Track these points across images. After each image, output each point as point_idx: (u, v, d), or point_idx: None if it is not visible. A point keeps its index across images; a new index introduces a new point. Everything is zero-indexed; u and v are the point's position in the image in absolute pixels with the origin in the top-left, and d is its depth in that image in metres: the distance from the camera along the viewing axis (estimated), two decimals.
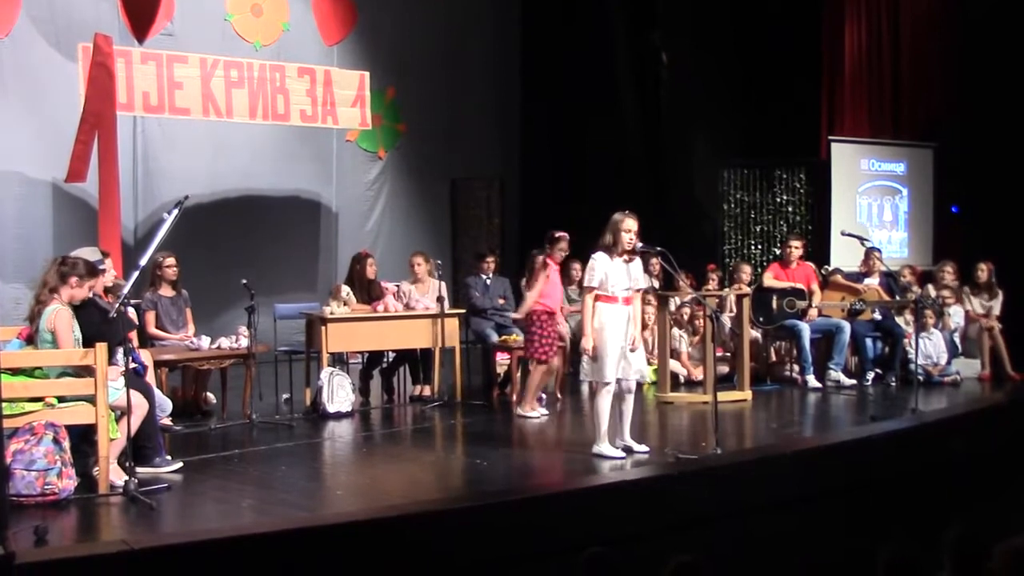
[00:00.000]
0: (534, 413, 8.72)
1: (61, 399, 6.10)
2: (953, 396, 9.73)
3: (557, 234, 8.90)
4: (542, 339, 8.71)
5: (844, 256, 11.76)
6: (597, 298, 7.09)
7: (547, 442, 8.10)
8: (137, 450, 6.31)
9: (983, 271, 10.78)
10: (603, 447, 7.06)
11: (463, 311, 9.92)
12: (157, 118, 11.30)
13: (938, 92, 13.43)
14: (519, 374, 9.50)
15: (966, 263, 11.07)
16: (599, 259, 7.11)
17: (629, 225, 7.10)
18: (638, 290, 7.27)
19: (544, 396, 9.30)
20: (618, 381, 7.09)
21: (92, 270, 6.49)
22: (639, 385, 7.40)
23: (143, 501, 5.80)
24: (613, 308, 7.06)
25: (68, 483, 5.86)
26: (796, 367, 10.35)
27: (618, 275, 7.09)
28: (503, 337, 9.64)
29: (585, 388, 9.87)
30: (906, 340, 10.19)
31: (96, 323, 6.40)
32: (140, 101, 10.54)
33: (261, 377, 9.08)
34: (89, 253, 6.92)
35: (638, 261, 7.25)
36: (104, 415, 6.00)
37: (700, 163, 14.33)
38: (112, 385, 6.14)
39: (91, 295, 6.55)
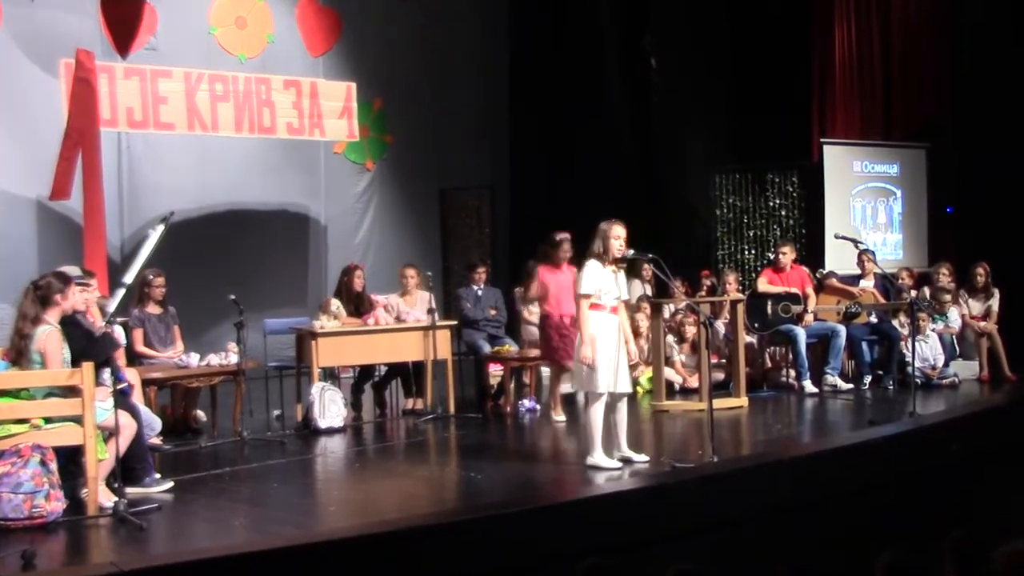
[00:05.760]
0: (562, 417, 8.80)
1: (48, 420, 6.02)
2: (951, 398, 9.68)
3: (559, 236, 8.81)
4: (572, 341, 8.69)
5: (838, 259, 11.71)
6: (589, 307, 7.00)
7: (542, 454, 8.04)
8: (126, 471, 6.22)
9: (980, 275, 10.71)
10: (598, 458, 6.95)
11: (455, 323, 9.84)
12: (142, 133, 11.22)
13: (930, 91, 13.39)
14: (512, 385, 9.48)
15: (961, 264, 11.04)
16: (592, 267, 7.03)
17: (618, 232, 7.04)
18: (623, 300, 7.20)
19: (538, 407, 9.22)
20: (609, 393, 6.99)
21: (64, 278, 6.37)
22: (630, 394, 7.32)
23: (132, 522, 5.71)
24: (603, 317, 6.98)
25: (56, 505, 5.77)
26: (792, 372, 10.29)
27: (608, 284, 7.02)
28: (495, 348, 9.59)
29: (580, 398, 9.78)
30: (903, 343, 10.12)
31: (80, 343, 6.30)
32: (124, 117, 10.50)
33: (251, 394, 9.01)
34: (71, 272, 6.82)
35: (622, 272, 7.17)
36: (92, 436, 5.92)
37: (692, 168, 14.30)
38: (100, 405, 6.06)
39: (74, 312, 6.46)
